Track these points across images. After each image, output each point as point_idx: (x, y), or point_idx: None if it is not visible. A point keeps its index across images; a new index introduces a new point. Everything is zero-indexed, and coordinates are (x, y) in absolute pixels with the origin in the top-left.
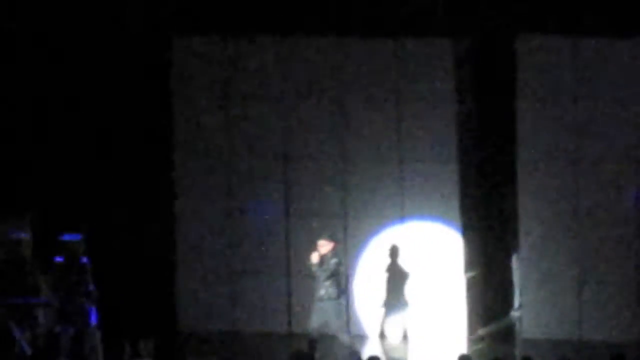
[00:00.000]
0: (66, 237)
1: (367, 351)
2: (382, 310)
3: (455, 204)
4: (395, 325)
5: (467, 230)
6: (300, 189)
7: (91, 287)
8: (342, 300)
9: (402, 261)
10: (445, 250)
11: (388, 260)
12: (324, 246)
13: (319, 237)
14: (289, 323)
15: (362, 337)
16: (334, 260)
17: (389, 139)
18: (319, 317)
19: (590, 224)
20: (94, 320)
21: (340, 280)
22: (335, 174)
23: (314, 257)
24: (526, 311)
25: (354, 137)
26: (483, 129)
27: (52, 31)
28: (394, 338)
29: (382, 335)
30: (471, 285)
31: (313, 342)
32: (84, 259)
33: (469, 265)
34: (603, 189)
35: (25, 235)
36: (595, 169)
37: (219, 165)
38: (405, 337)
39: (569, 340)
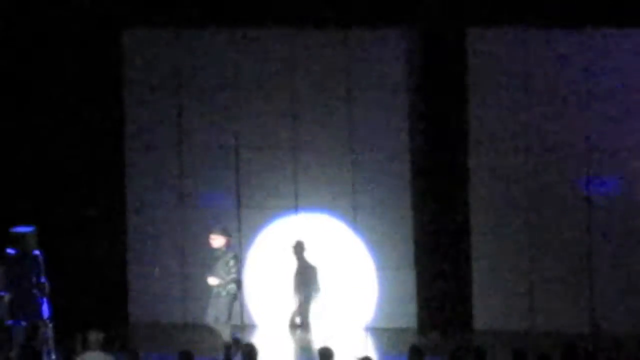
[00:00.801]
0: (18, 229)
1: (254, 340)
2: (294, 302)
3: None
4: (305, 315)
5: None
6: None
7: (43, 279)
8: (238, 294)
9: (308, 256)
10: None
11: (294, 257)
12: (216, 240)
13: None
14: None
15: (252, 327)
16: (230, 258)
17: (340, 131)
18: (214, 309)
19: (539, 216)
20: (46, 312)
21: (239, 275)
22: (285, 164)
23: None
24: (478, 302)
25: (304, 127)
26: (434, 121)
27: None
28: (303, 328)
29: (292, 326)
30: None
31: (229, 347)
32: (36, 251)
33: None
34: (552, 180)
35: None
36: (546, 161)
37: (170, 157)
38: (308, 326)
39: (520, 331)
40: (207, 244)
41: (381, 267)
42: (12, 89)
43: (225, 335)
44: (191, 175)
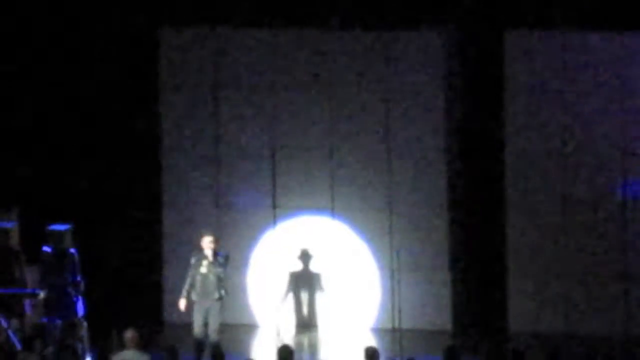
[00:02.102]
0: (54, 227)
1: (246, 339)
2: (298, 302)
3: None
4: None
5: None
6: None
7: (78, 277)
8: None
9: (313, 265)
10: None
11: (299, 264)
12: (213, 242)
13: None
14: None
15: (254, 327)
16: (222, 257)
17: (376, 132)
18: (204, 316)
19: (574, 219)
20: (81, 310)
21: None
22: (322, 165)
23: (204, 268)
24: (513, 305)
25: (340, 128)
26: (470, 123)
27: (37, 25)
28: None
29: (299, 325)
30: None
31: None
32: (72, 250)
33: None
34: (587, 182)
35: (11, 225)
36: (581, 164)
37: (206, 158)
38: (317, 326)
39: (555, 334)
40: (199, 247)
41: (416, 269)
42: (49, 92)
43: (214, 339)
44: (227, 176)
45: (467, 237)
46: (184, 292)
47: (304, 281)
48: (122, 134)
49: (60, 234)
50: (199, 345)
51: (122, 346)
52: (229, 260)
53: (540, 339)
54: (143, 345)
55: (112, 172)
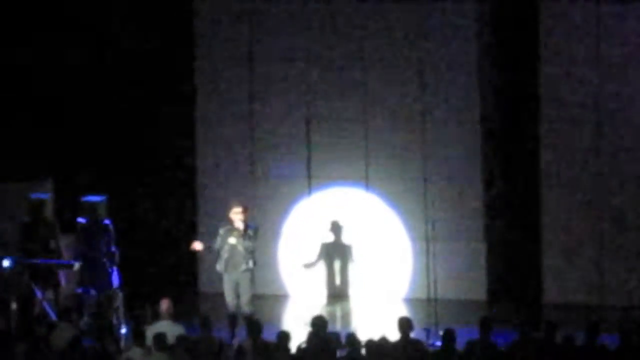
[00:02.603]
0: (89, 199)
1: (280, 309)
2: (331, 275)
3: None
4: (341, 286)
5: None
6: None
7: (113, 248)
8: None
9: (344, 237)
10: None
11: (331, 235)
12: (239, 213)
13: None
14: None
15: (286, 297)
16: (252, 230)
17: (411, 101)
18: (235, 289)
19: (609, 189)
20: (116, 281)
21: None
22: (357, 137)
23: (232, 239)
24: (548, 276)
25: (374, 99)
26: (506, 92)
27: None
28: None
29: (331, 296)
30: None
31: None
32: (107, 221)
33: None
34: (621, 154)
35: (46, 197)
36: (616, 135)
37: (241, 129)
38: (348, 297)
39: (590, 305)
40: (228, 218)
41: (452, 239)
42: (85, 61)
43: (248, 310)
44: (262, 146)
45: (502, 208)
46: (207, 244)
47: (336, 252)
48: (157, 106)
49: (94, 205)
50: (233, 317)
51: (157, 317)
52: (259, 232)
53: (574, 310)
54: (177, 316)
55: (147, 143)
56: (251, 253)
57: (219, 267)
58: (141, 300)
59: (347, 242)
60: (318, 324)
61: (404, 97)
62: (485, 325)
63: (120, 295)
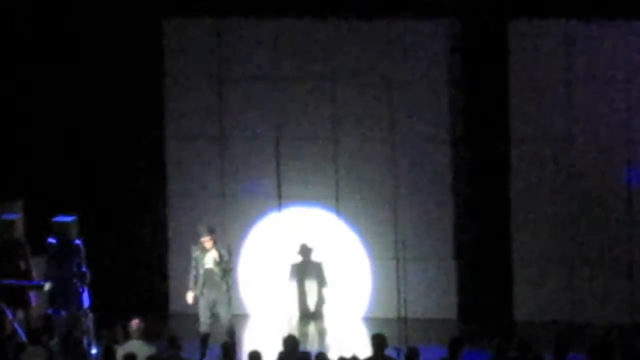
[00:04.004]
0: (60, 219)
1: (248, 329)
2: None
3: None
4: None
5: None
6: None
7: (84, 268)
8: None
9: (314, 256)
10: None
11: (299, 258)
12: (209, 241)
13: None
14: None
15: (244, 316)
16: (225, 254)
17: (381, 121)
18: (211, 309)
19: (579, 207)
20: (86, 301)
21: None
22: (327, 157)
23: (209, 262)
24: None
25: (344, 118)
26: (474, 112)
27: (44, 17)
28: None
29: (303, 316)
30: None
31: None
32: (77, 241)
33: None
34: (593, 171)
35: (17, 217)
36: (587, 152)
37: (211, 148)
38: (322, 316)
39: (561, 322)
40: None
41: (421, 258)
42: (53, 84)
43: (228, 327)
44: (232, 166)
45: (472, 226)
46: (191, 285)
47: (306, 272)
48: (126, 125)
49: (65, 225)
50: (205, 337)
51: (127, 337)
52: (232, 252)
53: (545, 328)
54: (148, 335)
55: (116, 163)
56: (228, 273)
57: (195, 289)
58: (111, 320)
59: (317, 261)
60: (289, 343)
61: (373, 116)
62: (456, 344)
63: (90, 315)
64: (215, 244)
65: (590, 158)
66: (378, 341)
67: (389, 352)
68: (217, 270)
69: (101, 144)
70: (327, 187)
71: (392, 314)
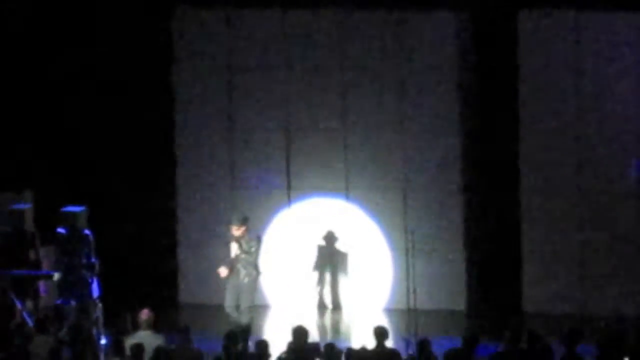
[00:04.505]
0: (69, 209)
1: (269, 321)
2: (322, 284)
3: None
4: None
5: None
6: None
7: (93, 259)
8: (259, 277)
9: (339, 244)
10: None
11: (324, 245)
12: (238, 230)
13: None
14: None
15: (266, 307)
16: (253, 245)
17: (390, 111)
18: (235, 297)
19: (589, 200)
20: (95, 292)
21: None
22: (337, 148)
23: (233, 247)
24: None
25: (354, 108)
26: (484, 104)
27: (52, 3)
28: (335, 309)
29: (321, 306)
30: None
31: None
32: (87, 231)
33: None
34: (603, 165)
35: (27, 207)
36: (596, 145)
37: (220, 138)
38: (341, 308)
39: (570, 315)
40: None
41: (431, 249)
42: (63, 71)
43: (245, 319)
44: (242, 156)
45: (481, 218)
46: (227, 261)
47: (332, 259)
48: (137, 116)
49: (74, 215)
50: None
51: (136, 327)
52: (261, 242)
53: (553, 321)
54: (157, 326)
55: (127, 154)
56: (252, 263)
57: (223, 273)
58: (120, 311)
59: (344, 250)
60: (298, 334)
61: (383, 107)
62: (469, 343)
63: (99, 305)
64: (245, 233)
65: (600, 150)
66: (378, 333)
67: (399, 343)
68: (242, 257)
69: (111, 134)
70: (337, 178)
71: (403, 304)
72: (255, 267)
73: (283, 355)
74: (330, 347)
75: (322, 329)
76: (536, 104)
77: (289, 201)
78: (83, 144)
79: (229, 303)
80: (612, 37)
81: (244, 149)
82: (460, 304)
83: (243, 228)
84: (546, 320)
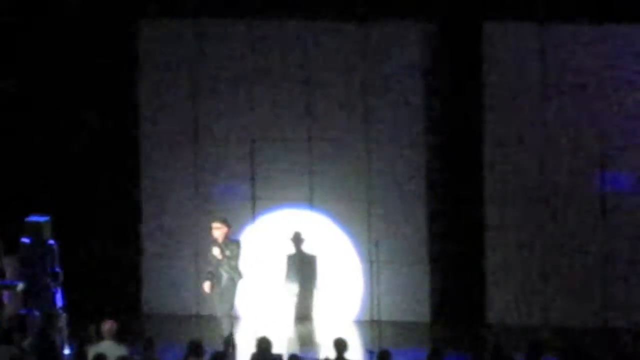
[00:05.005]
0: (33, 219)
1: (242, 331)
2: (294, 294)
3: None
4: (304, 307)
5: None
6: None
7: (57, 268)
8: (240, 282)
9: (306, 247)
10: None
11: (292, 247)
12: (219, 229)
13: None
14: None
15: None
16: (233, 249)
17: (355, 123)
18: (222, 301)
19: (553, 211)
20: (59, 302)
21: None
22: (302, 159)
23: (215, 251)
24: (491, 297)
25: (319, 119)
26: (449, 117)
27: (18, 16)
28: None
29: (298, 318)
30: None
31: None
32: (51, 241)
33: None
34: (566, 175)
35: None
36: (560, 156)
37: (185, 149)
38: (311, 319)
39: (533, 326)
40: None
41: (395, 260)
42: (26, 83)
43: (226, 325)
44: (206, 166)
45: (445, 229)
46: (207, 275)
47: (302, 264)
48: (100, 127)
49: (38, 225)
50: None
51: (100, 337)
52: (240, 246)
53: (517, 331)
54: (121, 336)
55: (90, 164)
56: (234, 267)
57: (207, 289)
58: (84, 320)
59: (312, 254)
60: (262, 345)
61: (348, 118)
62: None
63: (63, 315)
64: (226, 237)
65: (564, 161)
66: (338, 345)
67: (362, 354)
68: (223, 259)
69: (75, 144)
70: (301, 189)
71: (368, 316)
72: (237, 271)
73: None
74: (294, 358)
75: (290, 340)
76: (501, 115)
77: (253, 212)
78: (47, 154)
79: (220, 309)
80: (576, 47)
81: (209, 160)
82: (425, 316)
83: (225, 229)
84: (509, 332)
